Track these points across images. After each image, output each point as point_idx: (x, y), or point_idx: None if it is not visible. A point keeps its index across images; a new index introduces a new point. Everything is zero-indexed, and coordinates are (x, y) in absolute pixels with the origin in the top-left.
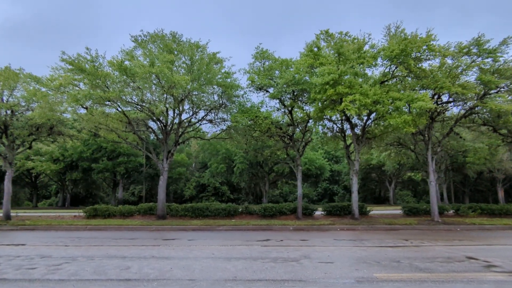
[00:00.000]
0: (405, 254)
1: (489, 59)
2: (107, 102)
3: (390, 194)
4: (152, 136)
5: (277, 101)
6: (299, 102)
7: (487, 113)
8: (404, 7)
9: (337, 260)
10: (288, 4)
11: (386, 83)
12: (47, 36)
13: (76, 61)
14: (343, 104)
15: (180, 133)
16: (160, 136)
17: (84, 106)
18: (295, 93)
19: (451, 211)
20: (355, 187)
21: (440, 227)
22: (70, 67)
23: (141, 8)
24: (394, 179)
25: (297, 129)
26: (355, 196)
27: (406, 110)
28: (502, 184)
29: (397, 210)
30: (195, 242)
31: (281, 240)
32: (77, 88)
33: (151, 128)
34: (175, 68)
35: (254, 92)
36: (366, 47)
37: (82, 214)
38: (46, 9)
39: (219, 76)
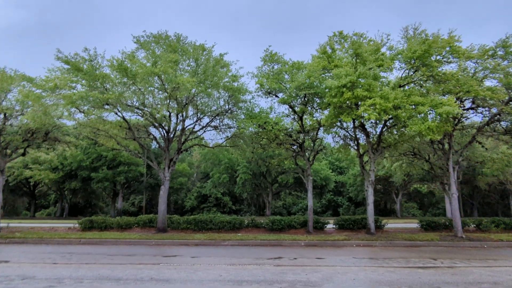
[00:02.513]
0: (442, 277)
1: None
2: (106, 106)
3: (397, 207)
4: (154, 145)
5: (287, 106)
6: (309, 108)
7: (510, 121)
8: (411, 18)
9: (365, 285)
10: (296, 7)
11: (405, 87)
12: (52, 40)
13: (72, 60)
14: (361, 108)
15: (183, 140)
16: (162, 144)
17: (81, 110)
18: (306, 98)
19: (472, 226)
20: (370, 199)
21: (465, 244)
22: (66, 67)
23: (147, 13)
24: (401, 191)
25: (307, 137)
26: (370, 209)
27: (429, 116)
28: None
29: (411, 224)
30: (199, 260)
31: (295, 258)
32: (74, 90)
33: (153, 135)
34: (179, 72)
35: (262, 97)
36: (383, 49)
37: (77, 226)
38: (51, 13)
39: (226, 79)
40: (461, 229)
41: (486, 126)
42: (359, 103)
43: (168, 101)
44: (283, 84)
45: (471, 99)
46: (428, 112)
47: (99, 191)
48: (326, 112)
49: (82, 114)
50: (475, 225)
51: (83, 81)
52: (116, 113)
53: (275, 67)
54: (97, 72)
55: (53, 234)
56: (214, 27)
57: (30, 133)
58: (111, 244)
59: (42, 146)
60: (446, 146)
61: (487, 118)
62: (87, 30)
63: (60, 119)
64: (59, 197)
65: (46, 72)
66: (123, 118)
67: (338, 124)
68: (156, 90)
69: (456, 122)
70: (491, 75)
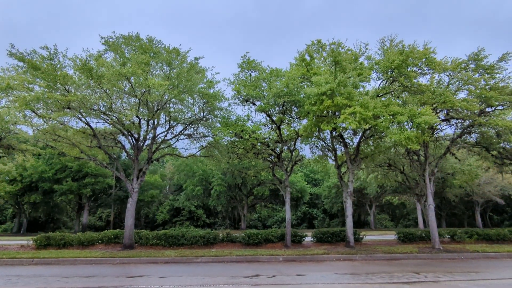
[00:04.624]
0: None
1: (486, 76)
2: (67, 110)
3: (371, 218)
4: (124, 156)
5: (264, 115)
6: (287, 117)
7: (483, 133)
8: (389, 31)
9: None
10: (279, 20)
11: (382, 98)
12: (20, 44)
13: (29, 57)
14: (342, 116)
15: (154, 149)
16: (131, 153)
17: (39, 114)
18: (284, 107)
19: (447, 237)
20: (349, 211)
21: (444, 256)
22: (22, 65)
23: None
24: (375, 203)
25: (285, 147)
26: (349, 221)
27: (406, 126)
28: (481, 208)
29: (387, 236)
30: (168, 281)
31: (274, 276)
32: (32, 93)
33: (121, 143)
34: (151, 76)
35: (239, 104)
36: (361, 59)
37: (32, 243)
38: (18, 15)
39: (201, 85)
40: (438, 241)
41: (458, 138)
42: (338, 112)
43: (138, 106)
44: (260, 91)
45: (445, 111)
46: (407, 122)
47: (62, 204)
48: (304, 122)
49: (41, 119)
50: (449, 236)
51: (42, 82)
52: (80, 119)
53: (253, 74)
54: (57, 72)
55: (2, 253)
56: (196, 38)
57: None
58: (68, 264)
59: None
60: (422, 158)
61: (459, 130)
62: (58, 35)
63: (15, 124)
64: (17, 212)
65: None
66: (87, 124)
67: (316, 134)
68: (125, 95)
69: (431, 132)
70: (464, 87)
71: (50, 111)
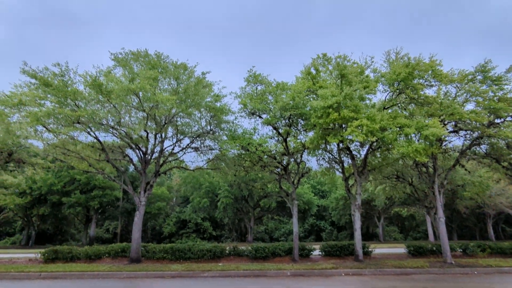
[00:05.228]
0: None
1: (494, 87)
2: (77, 124)
3: (380, 231)
4: (131, 168)
5: (271, 128)
6: (294, 130)
7: (492, 144)
8: (396, 40)
9: None
10: (286, 30)
11: (389, 110)
12: (32, 60)
13: (41, 74)
14: (349, 129)
15: (161, 162)
16: (139, 166)
17: (49, 129)
18: (291, 119)
19: (459, 250)
20: (358, 224)
21: (456, 271)
22: (34, 82)
23: (134, 35)
24: (383, 215)
25: (292, 159)
26: (358, 234)
27: (414, 138)
28: (493, 220)
29: (396, 249)
30: None
31: None
32: (43, 108)
33: (129, 157)
34: (159, 90)
35: (246, 117)
36: (367, 71)
37: (40, 256)
38: (31, 32)
39: (208, 99)
40: (450, 255)
41: (467, 150)
42: (344, 125)
43: (146, 120)
44: (267, 105)
45: (453, 123)
46: (414, 134)
47: (70, 217)
48: (310, 134)
49: (51, 133)
50: (461, 250)
51: (53, 98)
52: (89, 133)
53: (259, 87)
54: (68, 88)
55: (10, 267)
56: (203, 49)
57: None
58: (75, 278)
59: (6, 168)
60: (431, 169)
61: (468, 142)
62: (69, 53)
63: (26, 139)
64: (26, 224)
65: (12, 88)
66: (96, 138)
67: (323, 146)
68: (133, 109)
69: (440, 144)
70: (471, 98)
71: (61, 126)
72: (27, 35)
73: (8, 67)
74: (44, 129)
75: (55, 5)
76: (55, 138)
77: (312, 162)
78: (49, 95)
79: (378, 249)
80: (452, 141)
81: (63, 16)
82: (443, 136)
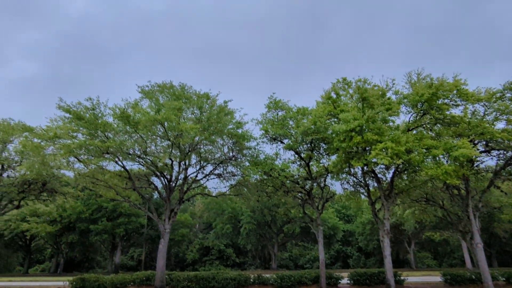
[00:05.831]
0: None
1: None
2: (106, 155)
3: (411, 257)
4: (155, 195)
5: (293, 153)
6: (316, 154)
7: None
8: (419, 57)
9: None
10: (304, 56)
11: (413, 131)
12: (65, 94)
13: (74, 109)
14: (373, 152)
15: (185, 189)
16: (163, 193)
17: (80, 160)
18: (312, 144)
19: (502, 279)
20: (387, 251)
21: None
22: (68, 116)
23: (154, 67)
24: (413, 240)
25: (315, 184)
26: (388, 262)
27: (443, 159)
28: None
29: (430, 277)
30: None
31: None
32: (75, 140)
33: (154, 184)
34: (183, 119)
35: (267, 143)
36: (389, 94)
37: (68, 285)
38: (64, 67)
39: (230, 126)
40: (492, 284)
41: (502, 170)
42: (368, 148)
43: (170, 149)
44: (288, 130)
45: (484, 142)
46: (442, 156)
47: (97, 244)
48: (333, 158)
49: (82, 164)
50: (504, 278)
51: (84, 130)
52: (116, 162)
53: (280, 113)
54: (99, 121)
55: None
56: (222, 76)
57: (27, 184)
58: None
59: (39, 197)
60: (463, 191)
61: (502, 162)
62: (99, 84)
63: (59, 169)
64: (55, 251)
65: (48, 122)
66: (123, 167)
67: (347, 170)
68: (158, 139)
69: (471, 165)
70: (502, 117)
71: (91, 156)
72: (62, 70)
73: (43, 100)
74: (76, 159)
75: (86, 41)
76: (86, 168)
77: (336, 186)
78: (81, 128)
79: (411, 278)
80: (484, 162)
81: (93, 51)
82: (474, 157)
